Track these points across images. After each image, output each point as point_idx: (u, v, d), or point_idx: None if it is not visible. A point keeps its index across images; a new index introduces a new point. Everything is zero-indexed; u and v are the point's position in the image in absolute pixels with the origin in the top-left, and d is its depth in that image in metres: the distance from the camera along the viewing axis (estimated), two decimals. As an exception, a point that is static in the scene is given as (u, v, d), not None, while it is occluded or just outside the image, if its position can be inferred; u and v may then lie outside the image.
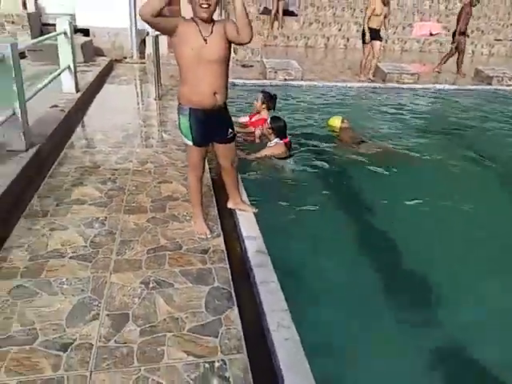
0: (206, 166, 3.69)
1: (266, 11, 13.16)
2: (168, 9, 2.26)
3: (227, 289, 2.39)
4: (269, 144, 4.62)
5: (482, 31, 14.24)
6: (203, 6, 2.34)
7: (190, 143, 2.69)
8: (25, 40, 5.64)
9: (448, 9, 15.07)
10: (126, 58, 8.70)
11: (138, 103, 6.34)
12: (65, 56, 5.48)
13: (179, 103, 2.64)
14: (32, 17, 7.91)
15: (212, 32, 2.44)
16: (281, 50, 11.97)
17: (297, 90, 7.77)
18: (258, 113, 5.16)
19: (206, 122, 2.61)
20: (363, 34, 8.33)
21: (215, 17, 2.52)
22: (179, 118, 2.67)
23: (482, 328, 2.58)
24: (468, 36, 9.74)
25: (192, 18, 2.45)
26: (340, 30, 13.53)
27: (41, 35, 7.54)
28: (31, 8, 8.15)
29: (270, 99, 5.11)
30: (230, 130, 2.75)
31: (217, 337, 2.06)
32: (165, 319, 2.15)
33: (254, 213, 3.14)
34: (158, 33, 5.78)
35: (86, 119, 5.16)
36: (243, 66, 9.19)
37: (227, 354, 1.96)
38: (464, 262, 3.15)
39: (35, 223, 2.92)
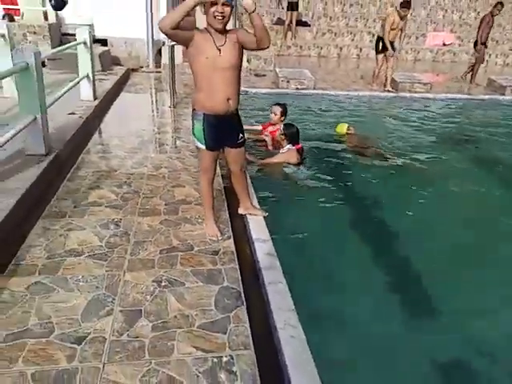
0: (218, 171, 3.80)
1: (280, 22, 13.35)
2: (185, 19, 2.37)
3: (236, 288, 2.46)
4: (281, 150, 4.72)
5: (497, 41, 14.18)
6: (218, 17, 2.45)
7: (203, 147, 2.78)
8: (45, 49, 5.84)
9: (462, 19, 15.08)
10: (142, 67, 8.91)
11: (153, 111, 6.50)
12: (84, 65, 5.67)
13: (194, 109, 2.75)
14: (52, 27, 8.19)
15: (225, 41, 2.55)
16: (294, 60, 12.11)
17: (309, 98, 7.86)
18: (274, 124, 5.14)
19: (219, 127, 2.71)
20: (376, 45, 8.40)
21: (229, 26, 2.63)
22: (193, 123, 2.77)
23: (483, 328, 2.60)
24: (486, 46, 9.71)
25: (206, 29, 2.56)
26: (353, 40, 13.63)
27: (60, 45, 7.80)
28: (52, 19, 8.43)
29: (286, 111, 5.18)
30: (241, 135, 2.85)
31: (225, 333, 2.12)
32: (175, 316, 2.23)
33: (264, 216, 3.21)
34: (173, 43, 5.96)
35: (102, 126, 5.32)
36: (256, 75, 9.33)
37: (235, 350, 2.03)
38: (467, 259, 3.23)
39: (53, 224, 3.03)
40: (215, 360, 1.97)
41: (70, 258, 2.66)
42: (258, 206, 3.39)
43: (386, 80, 8.47)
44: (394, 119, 7.17)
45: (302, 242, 3.31)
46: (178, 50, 7.27)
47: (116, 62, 8.68)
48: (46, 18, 8.49)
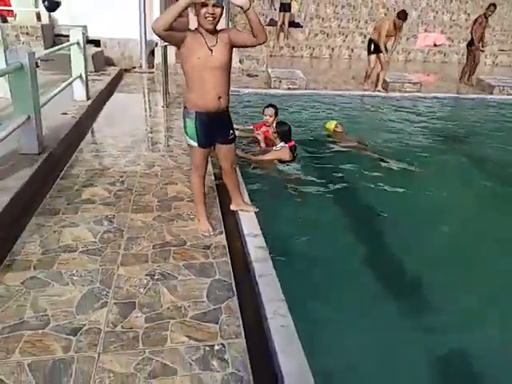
0: (210, 169, 3.87)
1: (273, 23, 13.43)
2: (177, 21, 2.43)
3: (228, 281, 2.52)
4: (274, 148, 4.80)
5: (486, 42, 14.35)
6: (209, 18, 2.52)
7: (195, 144, 2.84)
8: (38, 50, 5.85)
9: (452, 20, 15.27)
10: (135, 67, 8.95)
11: (146, 110, 6.54)
12: (77, 65, 5.71)
13: (185, 107, 2.81)
14: (45, 28, 8.19)
15: (217, 42, 2.63)
16: (286, 60, 12.19)
17: (301, 98, 7.94)
18: (268, 126, 5.17)
19: (210, 124, 2.78)
20: (368, 46, 8.50)
21: (222, 26, 2.70)
22: (185, 121, 2.83)
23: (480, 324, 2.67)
24: (483, 50, 9.83)
25: (197, 29, 2.63)
26: (345, 40, 13.75)
27: (53, 46, 7.81)
28: (45, 20, 8.44)
29: (277, 111, 5.25)
30: (231, 132, 2.92)
31: (217, 323, 2.19)
32: (169, 307, 2.29)
33: (256, 212, 3.29)
34: (166, 43, 6.01)
35: (96, 125, 5.36)
36: (248, 75, 9.40)
37: (226, 339, 2.09)
38: (460, 254, 3.32)
39: (47, 221, 3.08)
40: (207, 348, 2.04)
41: (64, 253, 2.71)
42: (250, 202, 3.46)
43: (378, 80, 8.58)
44: (384, 118, 7.29)
45: (292, 236, 3.38)
46: (171, 50, 7.31)
47: (109, 62, 8.71)
48: (39, 18, 8.49)
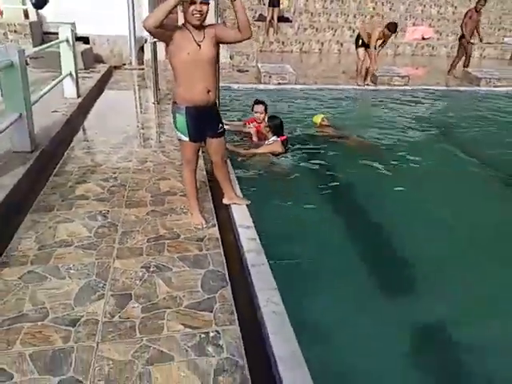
0: (202, 164, 3.94)
1: (262, 18, 13.46)
2: (168, 17, 2.49)
3: (221, 271, 2.60)
4: (267, 142, 4.87)
5: (481, 36, 14.50)
6: (196, 15, 2.59)
7: (186, 139, 2.90)
8: (27, 48, 5.83)
9: (440, 13, 15.39)
10: (124, 64, 8.94)
11: (137, 107, 6.56)
12: (67, 62, 5.71)
13: (175, 103, 2.87)
14: (34, 26, 8.15)
15: (204, 37, 2.70)
16: (276, 55, 12.24)
17: (290, 93, 8.00)
18: (260, 122, 5.21)
19: (200, 118, 2.84)
20: (356, 41, 8.57)
21: (212, 22, 2.76)
22: (175, 117, 2.89)
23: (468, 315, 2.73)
24: (473, 43, 9.95)
25: (184, 26, 2.69)
26: (334, 35, 13.82)
27: (42, 43, 7.79)
28: (33, 17, 8.39)
29: (267, 107, 5.31)
30: (221, 125, 3.00)
31: (211, 312, 2.26)
32: (164, 298, 2.36)
33: (248, 204, 3.36)
34: (155, 40, 6.03)
35: (87, 123, 5.38)
36: (239, 70, 9.44)
37: (221, 326, 2.17)
38: (450, 247, 3.39)
39: (42, 217, 3.12)
40: (203, 335, 2.11)
41: (60, 248, 2.76)
42: (242, 195, 3.53)
43: (367, 74, 8.66)
44: (373, 111, 7.40)
45: (284, 228, 3.46)
46: (161, 46, 7.30)
47: (98, 59, 8.69)
48: (26, 16, 8.43)
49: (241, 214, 3.23)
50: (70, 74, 5.72)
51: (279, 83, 8.32)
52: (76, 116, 5.35)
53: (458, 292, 2.90)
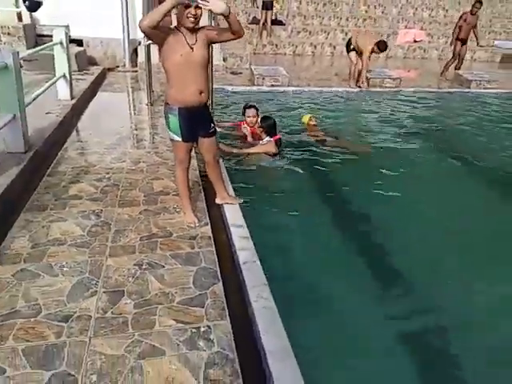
0: (195, 165, 3.98)
1: (255, 21, 13.55)
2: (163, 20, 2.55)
3: (213, 268, 2.63)
4: (261, 142, 4.93)
5: (477, 38, 14.67)
6: (191, 18, 2.65)
7: (179, 139, 2.94)
8: (21, 51, 5.84)
9: (431, 16, 15.58)
10: (118, 66, 8.97)
11: (131, 109, 6.60)
12: (60, 64, 5.74)
13: (167, 104, 2.91)
14: (27, 28, 8.16)
15: (197, 40, 2.75)
16: (269, 58, 12.31)
17: (283, 95, 8.07)
18: (252, 126, 5.23)
19: (193, 119, 2.89)
20: (347, 45, 8.67)
21: (205, 23, 2.82)
22: (168, 118, 2.93)
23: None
24: (463, 42, 10.04)
25: (177, 28, 2.74)
26: (327, 38, 13.93)
27: (35, 46, 7.79)
28: (26, 20, 8.40)
29: (258, 110, 5.36)
30: (212, 125, 3.04)
31: (203, 307, 2.30)
32: (156, 294, 2.39)
33: (240, 203, 3.40)
34: (149, 42, 6.07)
35: (80, 124, 5.40)
36: (232, 72, 9.49)
37: (212, 321, 2.21)
38: (441, 247, 3.44)
39: (36, 216, 3.14)
40: (194, 330, 2.15)
41: (53, 246, 2.79)
42: (234, 195, 3.57)
43: (359, 76, 8.74)
44: (364, 113, 7.47)
45: (276, 226, 3.51)
46: (154, 49, 7.34)
47: (92, 61, 8.71)
48: (20, 19, 8.44)
49: (233, 213, 3.27)
50: (64, 76, 5.74)
51: (272, 85, 8.38)
52: (70, 117, 5.37)
53: (452, 293, 2.93)
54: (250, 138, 5.20)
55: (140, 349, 2.03)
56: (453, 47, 10.06)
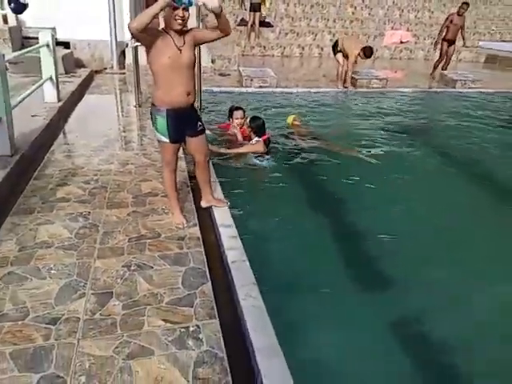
0: (184, 166, 3.98)
1: (243, 22, 13.59)
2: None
3: (202, 269, 2.65)
4: (251, 142, 4.96)
5: (464, 39, 14.88)
6: (178, 20, 2.67)
7: (167, 140, 2.95)
8: (7, 53, 5.78)
9: (417, 18, 15.78)
10: (106, 68, 8.92)
11: (119, 111, 6.57)
12: (47, 67, 5.69)
13: (154, 106, 2.92)
14: (13, 30, 8.08)
15: (184, 42, 2.78)
16: (258, 60, 12.35)
17: (272, 96, 8.11)
18: (241, 126, 5.29)
19: (180, 119, 2.91)
20: (333, 48, 8.75)
21: (193, 25, 2.84)
22: (156, 119, 2.93)
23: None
24: (450, 43, 10.19)
25: (165, 30, 2.75)
26: (314, 39, 14.03)
27: (21, 48, 7.73)
28: (12, 22, 8.32)
29: (244, 111, 5.41)
30: (200, 123, 3.05)
31: (192, 307, 2.31)
32: (145, 295, 2.39)
33: (227, 206, 3.41)
34: (137, 44, 6.06)
35: (67, 127, 5.37)
36: (220, 74, 9.51)
37: (201, 320, 2.22)
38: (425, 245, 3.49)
39: (23, 219, 3.12)
40: (183, 330, 2.16)
41: (41, 249, 2.77)
42: (222, 197, 3.57)
43: (346, 77, 8.82)
44: (352, 113, 7.56)
45: (264, 225, 3.54)
46: (142, 50, 7.33)
47: (79, 64, 8.66)
48: (5, 21, 8.35)
49: (222, 214, 3.28)
50: (51, 79, 5.70)
51: (260, 86, 8.42)
52: (56, 120, 5.34)
53: (440, 291, 2.95)
54: (240, 138, 5.22)
55: (129, 349, 2.03)
56: (439, 47, 10.21)
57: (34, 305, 2.29)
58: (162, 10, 2.55)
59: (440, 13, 15.52)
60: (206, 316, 2.25)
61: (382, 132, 6.47)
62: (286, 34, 13.94)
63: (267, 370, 1.91)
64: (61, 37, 8.35)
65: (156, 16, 2.53)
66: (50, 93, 5.80)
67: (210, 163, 3.64)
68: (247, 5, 13.09)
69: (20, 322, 2.17)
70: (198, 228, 3.12)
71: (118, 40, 8.81)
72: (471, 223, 3.88)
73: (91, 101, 6.79)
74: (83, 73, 8.07)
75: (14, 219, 3.12)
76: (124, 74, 8.73)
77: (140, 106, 6.29)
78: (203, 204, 3.42)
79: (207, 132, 3.26)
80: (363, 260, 3.30)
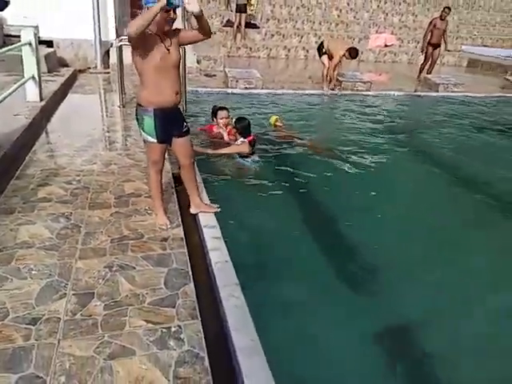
0: (169, 168, 3.98)
1: (229, 23, 13.61)
2: None
3: (185, 269, 2.65)
4: (236, 143, 4.97)
5: (446, 43, 15.15)
6: (169, 22, 2.72)
7: (154, 140, 2.94)
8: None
9: (401, 21, 16.00)
10: (89, 68, 8.84)
11: (103, 111, 6.53)
12: (29, 66, 5.62)
13: (141, 106, 2.90)
14: (-6, 28, 7.98)
15: (171, 42, 2.80)
16: (244, 61, 12.37)
17: (257, 97, 8.14)
18: (226, 125, 5.30)
19: (167, 119, 2.91)
20: (319, 49, 8.83)
21: (179, 26, 2.86)
22: (143, 119, 2.90)
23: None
24: (435, 47, 10.39)
25: (153, 31, 2.73)
26: (300, 41, 14.12)
27: (3, 46, 7.59)
28: (-7, 19, 8.21)
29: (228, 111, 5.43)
30: (185, 124, 3.05)
31: (174, 307, 2.32)
32: (127, 295, 2.39)
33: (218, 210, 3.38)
34: (121, 43, 6.03)
35: (50, 126, 5.31)
36: (206, 75, 9.50)
37: (183, 321, 2.23)
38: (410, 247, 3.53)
39: (3, 220, 3.08)
40: (164, 330, 2.16)
41: (21, 250, 2.74)
42: (208, 201, 3.53)
43: (331, 79, 8.91)
44: (335, 116, 7.66)
45: (248, 226, 3.55)
46: (126, 50, 7.29)
47: (62, 63, 8.56)
48: (-14, 18, 8.24)
49: (205, 215, 3.29)
50: (33, 78, 5.63)
51: (246, 88, 8.44)
52: (39, 119, 5.27)
53: (429, 294, 2.98)
54: (226, 138, 5.23)
55: (110, 349, 2.03)
56: (424, 51, 10.39)
57: (14, 305, 2.27)
58: (158, 13, 2.55)
59: (424, 17, 15.78)
60: (188, 316, 2.25)
61: (365, 134, 6.55)
62: (272, 35, 14.00)
63: (248, 370, 1.93)
64: (44, 35, 8.24)
65: (153, 18, 2.54)
66: (32, 92, 5.72)
67: (195, 164, 3.64)
68: (233, 6, 13.12)
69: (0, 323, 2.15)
70: (181, 229, 3.12)
71: (103, 40, 8.74)
72: (453, 224, 3.96)
73: (75, 100, 6.72)
74: (66, 72, 7.97)
75: (-6, 219, 3.08)
76: (108, 73, 8.66)
77: (124, 106, 6.25)
78: (193, 210, 3.35)
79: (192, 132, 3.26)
80: (350, 260, 3.33)
